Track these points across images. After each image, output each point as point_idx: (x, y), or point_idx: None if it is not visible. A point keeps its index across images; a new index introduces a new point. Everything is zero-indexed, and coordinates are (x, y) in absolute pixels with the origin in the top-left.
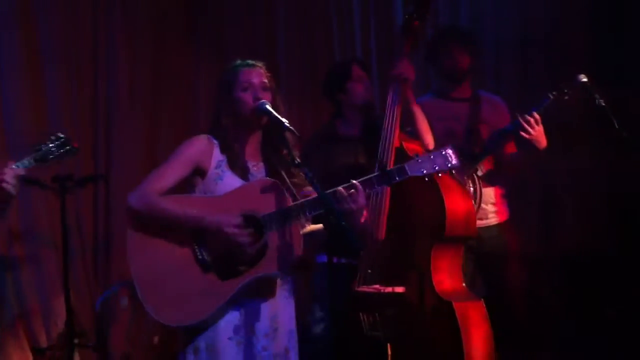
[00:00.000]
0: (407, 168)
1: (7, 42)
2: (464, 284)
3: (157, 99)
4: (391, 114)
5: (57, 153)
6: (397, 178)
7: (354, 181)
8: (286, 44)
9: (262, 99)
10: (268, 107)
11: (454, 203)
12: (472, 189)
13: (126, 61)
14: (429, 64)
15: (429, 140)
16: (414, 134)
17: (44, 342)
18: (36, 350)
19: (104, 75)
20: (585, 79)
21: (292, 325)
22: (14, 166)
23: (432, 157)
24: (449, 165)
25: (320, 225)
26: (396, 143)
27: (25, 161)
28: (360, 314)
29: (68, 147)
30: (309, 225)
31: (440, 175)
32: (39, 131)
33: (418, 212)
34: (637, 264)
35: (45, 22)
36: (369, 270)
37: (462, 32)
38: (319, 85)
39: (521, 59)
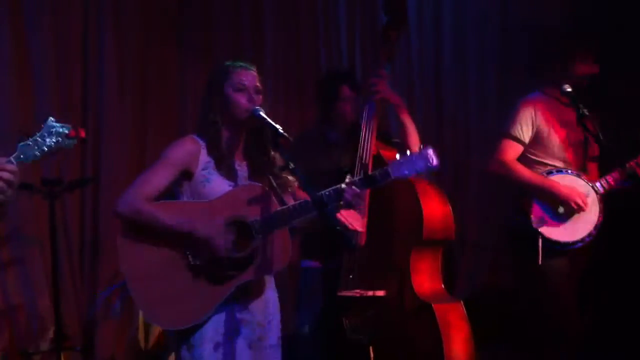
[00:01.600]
0: (389, 170)
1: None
2: (443, 286)
3: (145, 100)
4: (368, 126)
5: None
6: (379, 180)
7: (342, 185)
8: (273, 44)
9: (256, 102)
10: (262, 113)
11: (431, 207)
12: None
13: (114, 62)
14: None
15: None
16: (402, 145)
17: (30, 345)
18: (23, 354)
19: (93, 77)
20: (569, 89)
21: (279, 316)
22: (12, 159)
23: (413, 158)
24: (430, 166)
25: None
26: (374, 151)
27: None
28: (343, 318)
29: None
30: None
31: (421, 176)
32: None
33: (396, 217)
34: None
35: (34, 20)
36: (350, 276)
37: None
38: (305, 85)
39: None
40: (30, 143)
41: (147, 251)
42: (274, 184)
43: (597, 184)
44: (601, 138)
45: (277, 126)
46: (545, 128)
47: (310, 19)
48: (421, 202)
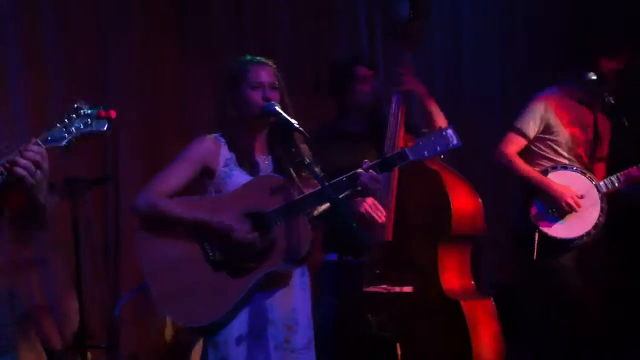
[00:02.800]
0: (407, 152)
1: (12, 38)
2: (472, 282)
3: (157, 99)
4: (395, 119)
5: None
6: (398, 163)
7: (358, 170)
8: (283, 44)
9: (271, 99)
10: (277, 108)
11: (461, 201)
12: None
13: (130, 60)
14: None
15: None
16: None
17: (55, 343)
18: (47, 351)
19: (110, 76)
20: (594, 77)
21: (311, 318)
22: (39, 140)
23: (432, 138)
24: (451, 145)
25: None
26: (401, 143)
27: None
28: (369, 314)
29: (96, 120)
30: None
31: (442, 157)
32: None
33: (424, 211)
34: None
35: (49, 17)
36: (377, 271)
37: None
38: (320, 82)
39: None
40: (58, 125)
41: (165, 247)
42: (295, 177)
43: (601, 183)
44: (626, 124)
45: (293, 121)
46: (555, 124)
47: (328, 14)
48: (450, 195)
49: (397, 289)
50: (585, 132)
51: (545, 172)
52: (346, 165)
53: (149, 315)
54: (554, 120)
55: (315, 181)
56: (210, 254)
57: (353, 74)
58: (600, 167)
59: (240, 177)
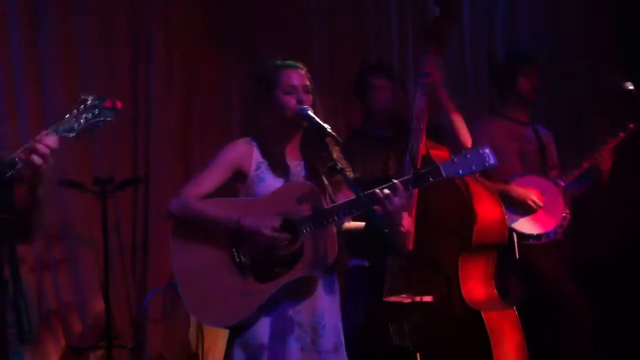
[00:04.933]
0: (441, 169)
1: (46, 36)
2: (496, 292)
3: (191, 99)
4: (418, 124)
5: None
6: (430, 179)
7: (395, 181)
8: (320, 44)
9: (305, 102)
10: (310, 112)
11: (483, 209)
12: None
13: (162, 61)
14: (496, 85)
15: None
16: (454, 143)
17: (81, 341)
18: (73, 349)
19: (142, 77)
20: (631, 87)
21: (339, 322)
22: (51, 130)
23: (468, 156)
24: (487, 164)
25: (360, 224)
26: (422, 151)
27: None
28: (390, 324)
29: (104, 110)
30: (349, 222)
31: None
32: None
33: (445, 219)
34: None
35: (82, 20)
36: (398, 280)
37: (536, 56)
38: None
39: None
40: (67, 116)
41: (196, 250)
42: (327, 183)
43: (558, 180)
44: None
45: (325, 125)
46: (500, 143)
47: (360, 16)
48: (473, 203)
49: (418, 299)
50: (530, 145)
51: (506, 182)
52: (371, 168)
53: (175, 317)
54: (497, 140)
55: (346, 187)
56: (238, 258)
57: (368, 83)
58: (557, 172)
59: (272, 182)
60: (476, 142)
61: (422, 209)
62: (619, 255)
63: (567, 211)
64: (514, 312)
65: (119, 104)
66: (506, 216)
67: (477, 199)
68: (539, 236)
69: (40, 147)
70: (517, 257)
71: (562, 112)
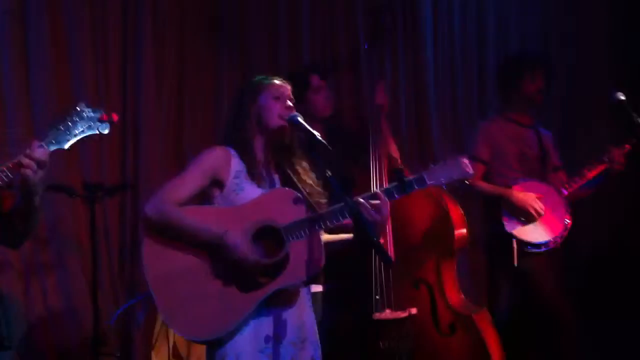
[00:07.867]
0: (425, 177)
1: (35, 30)
2: (462, 294)
3: (182, 103)
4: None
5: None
6: (415, 187)
7: (377, 190)
8: (310, 44)
9: (293, 109)
10: (300, 119)
11: (456, 214)
12: None
13: (152, 63)
14: (499, 86)
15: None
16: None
17: (69, 348)
18: (61, 356)
19: (132, 80)
20: (623, 97)
21: (317, 336)
22: (43, 144)
23: (449, 166)
24: (466, 174)
25: (336, 236)
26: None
27: (54, 140)
28: (380, 342)
29: (99, 123)
30: (323, 235)
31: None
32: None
33: (421, 228)
34: None
35: (73, 19)
36: (377, 297)
37: (546, 58)
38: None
39: None
40: (62, 128)
41: (173, 257)
42: (305, 192)
43: (561, 188)
44: None
45: (315, 132)
46: (503, 145)
47: (348, 17)
48: (449, 210)
49: (405, 313)
50: (530, 148)
51: (508, 186)
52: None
53: (150, 327)
54: (499, 142)
55: (322, 200)
56: (218, 268)
57: (307, 82)
58: (559, 175)
59: (251, 191)
60: (475, 143)
61: (393, 219)
62: (615, 253)
63: (569, 220)
64: (487, 311)
65: (115, 117)
66: (506, 222)
67: (449, 205)
68: (539, 245)
69: (27, 162)
70: (516, 263)
71: (554, 114)
